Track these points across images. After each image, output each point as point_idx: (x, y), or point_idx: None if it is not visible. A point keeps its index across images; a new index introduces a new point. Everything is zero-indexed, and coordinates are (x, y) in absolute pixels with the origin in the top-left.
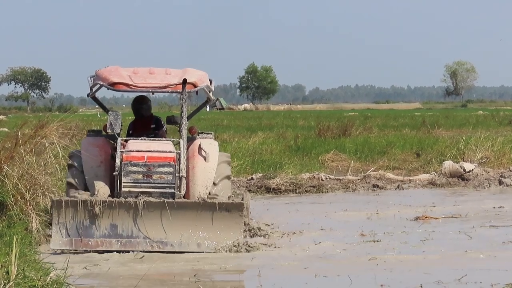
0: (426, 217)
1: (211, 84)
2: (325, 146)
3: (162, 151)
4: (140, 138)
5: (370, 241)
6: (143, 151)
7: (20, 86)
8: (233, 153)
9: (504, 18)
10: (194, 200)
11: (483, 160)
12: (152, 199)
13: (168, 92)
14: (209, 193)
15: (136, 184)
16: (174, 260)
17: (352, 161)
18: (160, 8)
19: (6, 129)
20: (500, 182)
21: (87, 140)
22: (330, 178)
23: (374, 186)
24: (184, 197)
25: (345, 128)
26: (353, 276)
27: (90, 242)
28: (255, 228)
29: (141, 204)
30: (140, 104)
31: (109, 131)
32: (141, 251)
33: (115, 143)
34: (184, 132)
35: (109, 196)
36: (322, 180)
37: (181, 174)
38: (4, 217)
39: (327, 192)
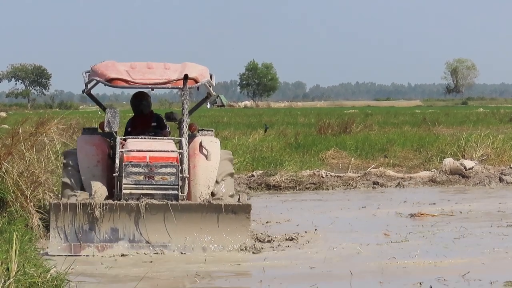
0: (421, 214)
1: (212, 79)
2: (325, 143)
3: (164, 151)
4: (140, 136)
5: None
6: (144, 151)
7: (21, 83)
8: (234, 150)
9: (505, 15)
10: (199, 202)
11: (484, 158)
12: (154, 201)
13: (168, 88)
14: (212, 193)
15: (137, 186)
16: (176, 260)
17: (353, 158)
18: (161, 5)
19: (6, 126)
20: (501, 180)
21: (82, 138)
22: (330, 175)
23: (374, 183)
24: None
25: (346, 125)
26: (356, 273)
27: (89, 248)
28: (259, 228)
29: (143, 206)
30: (140, 100)
31: (106, 129)
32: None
33: (112, 142)
34: (186, 130)
35: (106, 197)
36: (322, 177)
37: (184, 175)
38: (4, 214)
39: (328, 189)
